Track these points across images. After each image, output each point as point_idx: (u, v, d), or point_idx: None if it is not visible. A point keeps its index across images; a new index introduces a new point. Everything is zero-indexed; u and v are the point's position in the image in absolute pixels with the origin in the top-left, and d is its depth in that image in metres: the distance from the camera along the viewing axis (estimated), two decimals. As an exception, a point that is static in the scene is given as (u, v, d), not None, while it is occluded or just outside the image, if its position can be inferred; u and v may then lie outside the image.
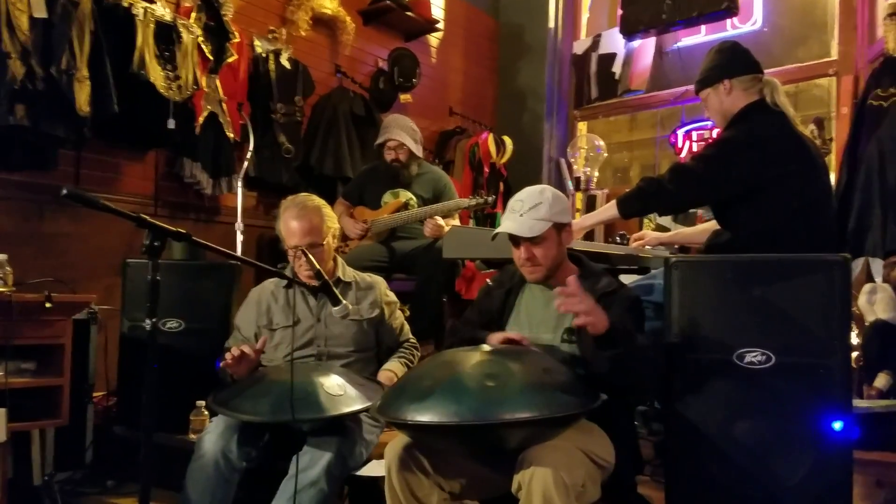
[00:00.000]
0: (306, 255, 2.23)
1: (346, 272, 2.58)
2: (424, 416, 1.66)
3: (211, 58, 3.73)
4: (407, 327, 2.67)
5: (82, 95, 3.02)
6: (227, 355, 2.20)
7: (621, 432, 1.96)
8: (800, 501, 1.80)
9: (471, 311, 2.26)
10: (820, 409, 1.81)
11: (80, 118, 3.04)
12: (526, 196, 2.04)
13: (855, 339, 3.53)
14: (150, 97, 3.38)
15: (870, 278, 4.00)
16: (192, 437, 2.54)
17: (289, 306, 2.47)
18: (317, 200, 2.51)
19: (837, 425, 1.79)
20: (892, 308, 3.59)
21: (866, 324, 3.70)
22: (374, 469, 2.28)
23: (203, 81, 3.65)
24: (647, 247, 2.98)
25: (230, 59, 3.90)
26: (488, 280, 2.25)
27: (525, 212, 2.00)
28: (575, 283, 1.77)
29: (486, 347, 1.89)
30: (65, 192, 1.47)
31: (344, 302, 2.11)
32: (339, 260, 2.60)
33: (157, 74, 3.37)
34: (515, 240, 2.03)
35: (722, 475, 1.88)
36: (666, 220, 4.20)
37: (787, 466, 1.82)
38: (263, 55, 4.24)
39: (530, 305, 2.13)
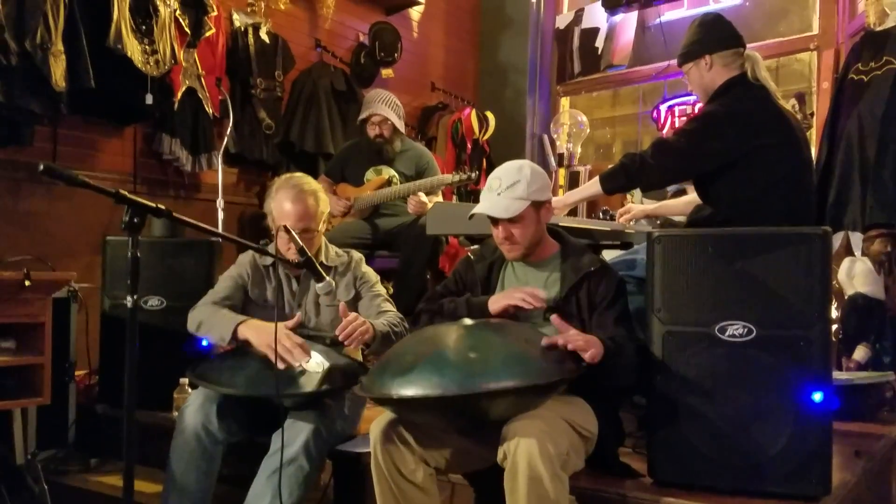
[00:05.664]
0: (289, 233, 2.20)
1: (329, 255, 2.50)
2: (408, 391, 1.66)
3: (188, 31, 3.67)
4: (390, 304, 2.51)
5: (58, 70, 2.96)
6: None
7: (603, 403, 1.98)
8: (780, 471, 1.83)
9: (451, 281, 2.24)
10: (800, 381, 1.83)
11: (55, 93, 2.99)
12: (504, 174, 2.03)
13: (834, 312, 3.57)
14: (127, 72, 3.33)
15: (849, 252, 4.03)
16: (177, 414, 2.53)
17: (272, 286, 2.45)
18: (313, 184, 2.44)
19: (817, 396, 1.82)
20: (870, 281, 3.63)
21: (845, 297, 3.74)
22: (359, 445, 2.29)
23: (181, 55, 3.60)
24: (632, 221, 2.99)
25: (208, 33, 3.84)
26: (469, 253, 2.25)
27: (502, 191, 1.99)
28: (559, 321, 1.83)
29: (467, 321, 1.89)
30: (42, 167, 1.45)
31: (328, 279, 2.10)
32: (324, 242, 2.53)
33: (134, 48, 3.31)
34: (493, 219, 2.03)
35: (703, 446, 1.90)
36: None
37: (768, 437, 1.84)
38: (242, 29, 4.18)
39: (512, 281, 2.13)
